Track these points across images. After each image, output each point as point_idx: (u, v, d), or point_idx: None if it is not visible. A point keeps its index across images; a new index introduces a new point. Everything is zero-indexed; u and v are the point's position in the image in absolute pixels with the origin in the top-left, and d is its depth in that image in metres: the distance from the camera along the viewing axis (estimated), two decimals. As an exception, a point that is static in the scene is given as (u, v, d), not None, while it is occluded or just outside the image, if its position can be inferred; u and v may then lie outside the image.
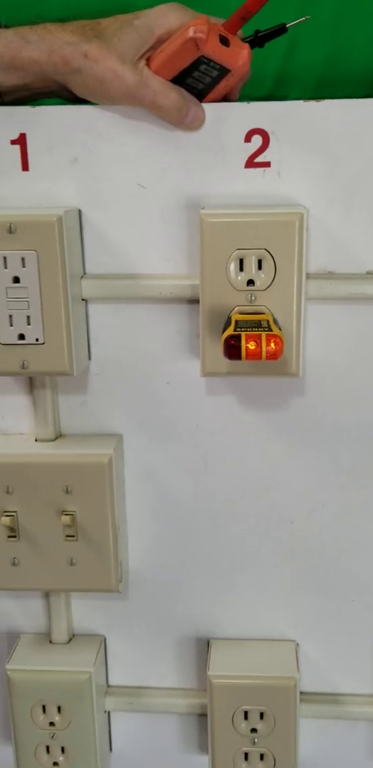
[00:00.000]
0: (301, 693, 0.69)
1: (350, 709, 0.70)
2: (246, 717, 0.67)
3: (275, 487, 0.66)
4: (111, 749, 0.75)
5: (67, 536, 0.65)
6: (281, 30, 0.56)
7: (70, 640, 0.72)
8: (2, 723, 0.76)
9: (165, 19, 0.54)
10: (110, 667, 0.73)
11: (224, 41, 0.53)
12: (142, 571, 0.69)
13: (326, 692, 0.71)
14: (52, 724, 0.70)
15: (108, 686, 0.73)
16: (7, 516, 0.64)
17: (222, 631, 0.70)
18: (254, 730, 0.67)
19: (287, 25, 0.56)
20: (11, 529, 0.65)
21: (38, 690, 0.69)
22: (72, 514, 0.64)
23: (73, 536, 0.65)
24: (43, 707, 0.69)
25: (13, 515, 0.65)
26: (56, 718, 0.70)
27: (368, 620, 0.68)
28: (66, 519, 0.64)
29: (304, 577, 0.68)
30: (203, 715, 0.72)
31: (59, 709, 0.69)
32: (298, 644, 0.70)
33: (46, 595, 0.71)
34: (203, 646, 0.71)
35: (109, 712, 0.74)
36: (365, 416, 0.63)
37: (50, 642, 0.71)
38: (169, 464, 0.66)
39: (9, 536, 0.65)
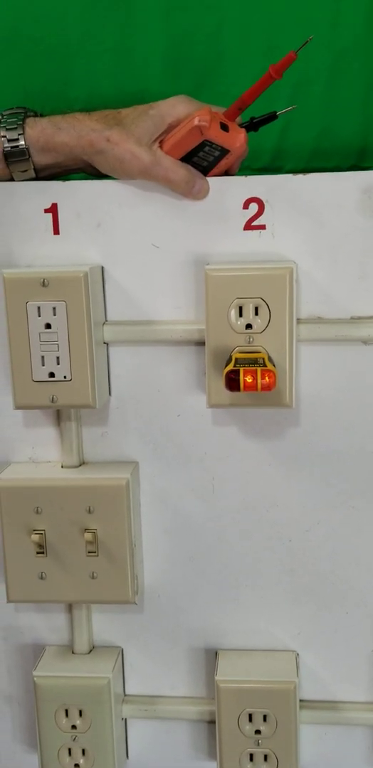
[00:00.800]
0: (302, 701, 0.77)
1: (349, 716, 0.77)
2: (251, 719, 0.75)
3: (275, 508, 0.75)
4: (127, 756, 0.83)
5: (89, 552, 0.74)
6: (272, 117, 0.67)
7: (90, 650, 0.80)
8: (28, 733, 0.84)
9: (175, 109, 0.66)
10: (127, 676, 0.81)
11: (224, 127, 0.65)
12: (157, 587, 0.78)
13: (325, 700, 0.78)
14: (74, 727, 0.78)
15: (125, 695, 0.81)
16: (36, 534, 0.74)
17: (229, 642, 0.78)
18: (258, 732, 0.75)
19: (278, 113, 0.67)
20: (40, 545, 0.74)
21: (61, 695, 0.77)
22: (94, 532, 0.73)
23: (95, 552, 0.74)
24: (66, 711, 0.78)
25: (41, 533, 0.74)
26: (78, 722, 0.78)
27: (362, 631, 0.76)
28: (88, 536, 0.73)
29: (303, 591, 0.76)
30: (211, 722, 0.79)
31: (80, 712, 0.77)
32: (298, 654, 0.77)
33: (69, 609, 0.79)
34: (212, 657, 0.79)
35: (126, 720, 0.81)
36: (353, 444, 0.72)
37: (73, 653, 0.80)
38: (181, 488, 0.75)
39: (37, 552, 0.74)
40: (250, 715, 0.75)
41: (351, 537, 0.74)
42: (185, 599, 0.78)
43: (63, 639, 0.81)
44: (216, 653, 0.78)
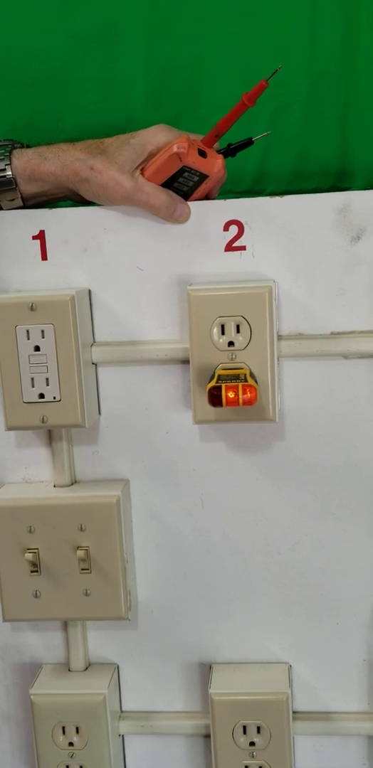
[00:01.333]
0: (295, 712, 0.79)
1: (342, 726, 0.79)
2: (245, 731, 0.76)
3: (264, 521, 0.77)
4: (125, 773, 0.84)
5: (83, 569, 0.76)
6: (248, 143, 0.70)
7: (86, 668, 0.82)
8: (26, 751, 0.86)
9: (155, 137, 0.69)
10: (123, 693, 0.82)
11: (202, 153, 0.68)
12: (150, 603, 0.80)
13: (319, 711, 0.80)
14: (71, 744, 0.79)
15: (121, 711, 0.83)
16: (30, 552, 0.76)
17: (222, 656, 0.80)
18: (252, 744, 0.76)
19: (253, 139, 0.71)
20: (33, 564, 0.76)
21: (58, 712, 0.79)
22: (86, 549, 0.75)
23: (88, 569, 0.76)
24: (63, 729, 0.79)
25: (35, 552, 0.76)
26: (75, 738, 0.79)
27: (352, 641, 0.78)
28: (81, 553, 0.75)
29: (293, 603, 0.78)
30: (207, 737, 0.81)
31: (77, 729, 0.79)
32: (291, 666, 0.79)
33: (65, 627, 0.81)
34: (206, 671, 0.80)
35: (123, 736, 0.83)
36: (336, 457, 0.75)
37: (69, 670, 0.82)
38: (170, 504, 0.78)
39: (31, 571, 0.76)
40: (244, 727, 0.76)
41: (339, 548, 0.76)
42: (178, 614, 0.80)
43: (59, 657, 0.83)
44: (210, 667, 0.80)
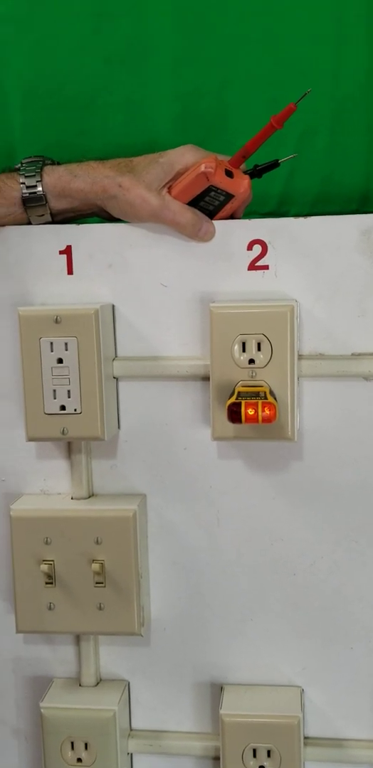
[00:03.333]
0: (307, 738, 0.80)
1: (353, 753, 0.80)
2: (255, 755, 0.77)
3: (279, 542, 0.79)
4: (133, 793, 0.85)
5: (97, 583, 0.78)
6: (274, 164, 0.73)
7: (97, 683, 0.83)
8: (35, 766, 0.87)
9: (183, 157, 0.72)
10: (133, 710, 0.84)
11: (229, 174, 0.71)
12: (163, 620, 0.82)
13: (330, 737, 0.80)
14: (79, 760, 0.81)
15: (131, 729, 0.84)
16: (45, 564, 0.78)
17: (234, 676, 0.81)
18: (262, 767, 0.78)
19: (280, 161, 0.74)
20: (49, 576, 0.78)
21: (67, 726, 0.80)
22: (101, 563, 0.77)
23: (102, 583, 0.78)
24: (72, 744, 0.81)
25: (51, 563, 0.78)
26: (83, 754, 0.80)
27: (366, 667, 0.79)
28: (96, 567, 0.77)
29: (307, 625, 0.79)
30: (216, 759, 0.82)
31: (86, 745, 0.80)
32: (303, 690, 0.80)
33: (77, 641, 0.83)
34: (217, 692, 0.82)
35: (131, 755, 0.84)
36: (355, 478, 0.76)
37: (80, 685, 0.83)
38: (187, 520, 0.79)
39: (46, 583, 0.78)
40: (254, 750, 0.77)
41: (354, 571, 0.78)
42: (191, 633, 0.81)
43: (70, 671, 0.84)
44: (221, 688, 0.81)
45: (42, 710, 0.81)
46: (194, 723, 0.83)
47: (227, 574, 0.80)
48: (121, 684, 0.83)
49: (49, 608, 0.79)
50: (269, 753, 0.77)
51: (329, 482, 0.77)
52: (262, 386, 0.70)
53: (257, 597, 0.80)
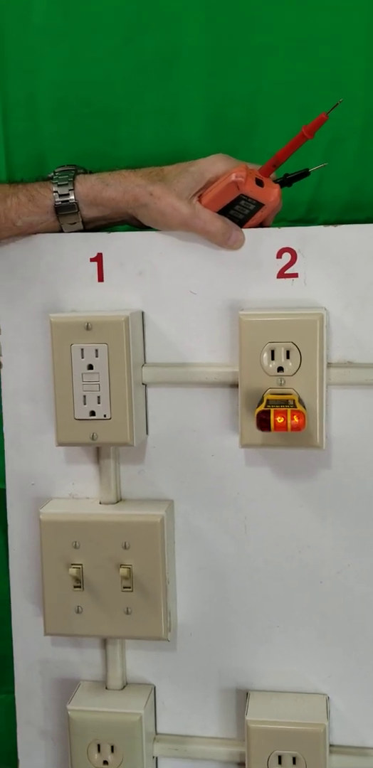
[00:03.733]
0: (332, 745, 0.80)
1: (379, 763, 0.80)
2: (280, 762, 0.78)
3: (306, 549, 0.79)
4: (158, 797, 0.86)
5: (124, 587, 0.78)
6: (304, 174, 0.74)
7: (123, 687, 0.84)
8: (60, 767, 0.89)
9: (214, 166, 0.73)
10: (158, 714, 0.85)
11: (259, 183, 0.72)
12: (189, 625, 0.82)
13: (355, 745, 0.81)
14: (105, 762, 0.82)
15: (156, 733, 0.85)
16: (74, 567, 0.79)
17: (259, 683, 0.82)
18: (287, 775, 0.78)
19: (310, 170, 0.74)
20: (77, 579, 0.79)
21: (94, 729, 0.81)
22: (129, 568, 0.78)
23: (130, 588, 0.78)
24: (98, 746, 0.82)
25: (79, 567, 0.79)
26: (109, 757, 0.81)
27: (392, 677, 0.79)
28: (124, 571, 0.78)
29: (334, 633, 0.80)
30: (241, 764, 0.82)
31: (112, 748, 0.81)
32: (329, 697, 0.80)
33: (104, 644, 0.84)
34: (243, 698, 0.82)
35: (156, 758, 0.85)
36: (383, 487, 0.77)
37: (106, 688, 0.84)
38: (214, 527, 0.80)
39: (75, 586, 0.79)
40: (279, 757, 0.78)
41: (382, 580, 0.78)
42: (217, 638, 0.82)
43: (97, 674, 0.85)
44: (247, 694, 0.82)
45: (69, 712, 0.82)
46: (219, 728, 0.84)
47: (254, 580, 0.80)
48: (147, 688, 0.84)
49: (77, 611, 0.80)
50: (294, 760, 0.78)
51: (356, 490, 0.77)
52: (291, 394, 0.71)
53: (283, 604, 0.80)
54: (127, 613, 0.79)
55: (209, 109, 0.84)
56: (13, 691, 0.87)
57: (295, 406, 0.69)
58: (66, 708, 0.82)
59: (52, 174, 0.74)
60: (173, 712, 0.84)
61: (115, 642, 0.83)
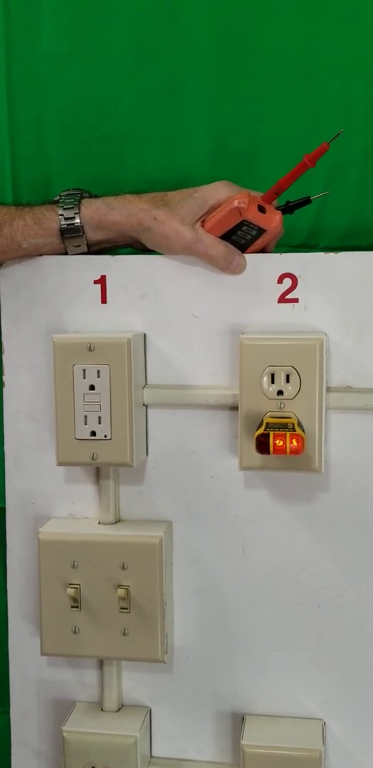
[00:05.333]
0: (328, 772, 0.81)
1: (375, 791, 0.81)
2: (276, 787, 0.79)
3: (304, 573, 0.80)
4: None
5: (122, 608, 0.80)
6: (306, 201, 0.76)
7: (119, 709, 0.85)
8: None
9: (217, 192, 0.76)
10: (154, 737, 0.86)
11: (261, 209, 0.74)
12: (186, 648, 0.84)
13: (352, 773, 0.82)
14: (100, 785, 0.83)
15: (151, 756, 0.86)
16: (72, 587, 0.80)
17: (255, 707, 0.83)
18: (283, 801, 0.79)
19: (311, 198, 0.77)
20: (74, 599, 0.80)
21: (89, 751, 0.82)
22: (127, 588, 0.79)
23: (127, 609, 0.80)
24: (93, 769, 0.83)
25: (77, 587, 0.80)
26: (104, 780, 0.82)
27: (389, 703, 0.80)
28: (121, 592, 0.79)
29: (330, 658, 0.81)
30: (237, 790, 0.83)
31: (107, 771, 0.82)
32: (325, 723, 0.81)
33: (100, 665, 0.85)
34: (238, 722, 0.83)
35: (151, 782, 0.86)
36: (381, 512, 0.78)
37: (102, 710, 0.85)
38: (212, 549, 0.82)
39: (72, 606, 0.80)
40: (275, 783, 0.79)
41: (380, 605, 0.79)
42: (213, 662, 0.83)
43: (93, 696, 0.86)
44: (243, 718, 0.83)
45: (64, 734, 0.83)
46: (214, 752, 0.84)
47: (251, 603, 0.82)
48: (142, 710, 0.85)
49: (74, 632, 0.81)
50: (290, 786, 0.78)
51: (355, 515, 0.79)
52: (290, 418, 0.73)
53: (280, 628, 0.81)
54: (125, 634, 0.80)
55: (212, 136, 0.87)
56: (8, 712, 0.88)
57: (294, 430, 0.70)
58: (61, 729, 0.83)
59: (58, 197, 0.77)
60: (169, 735, 0.85)
61: (111, 663, 0.84)
